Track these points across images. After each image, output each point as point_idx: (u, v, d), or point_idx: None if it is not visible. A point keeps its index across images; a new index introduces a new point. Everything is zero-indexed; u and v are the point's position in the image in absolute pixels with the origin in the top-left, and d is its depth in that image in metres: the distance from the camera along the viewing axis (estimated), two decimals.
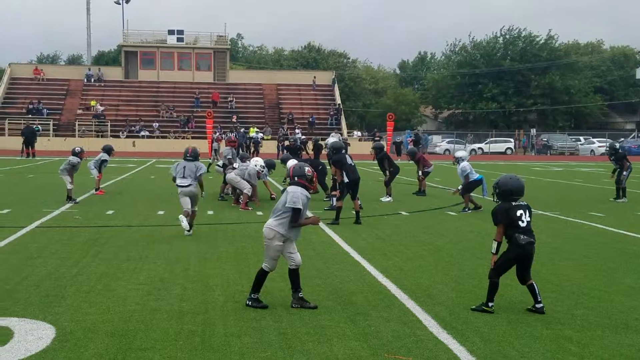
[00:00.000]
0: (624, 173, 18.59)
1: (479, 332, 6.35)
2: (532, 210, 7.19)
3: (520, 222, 6.93)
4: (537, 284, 7.14)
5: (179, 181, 11.76)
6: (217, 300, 7.34)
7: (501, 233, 6.97)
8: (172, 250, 10.26)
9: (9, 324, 6.32)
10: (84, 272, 8.60)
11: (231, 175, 15.85)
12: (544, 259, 9.60)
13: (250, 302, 7.07)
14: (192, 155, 11.92)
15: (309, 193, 7.26)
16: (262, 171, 16.05)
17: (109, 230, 12.10)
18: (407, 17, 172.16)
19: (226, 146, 19.65)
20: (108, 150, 18.63)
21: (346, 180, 13.60)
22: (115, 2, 74.30)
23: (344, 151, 14.24)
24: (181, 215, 11.62)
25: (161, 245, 10.69)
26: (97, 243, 10.72)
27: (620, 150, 19.69)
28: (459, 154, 16.77)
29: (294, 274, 7.17)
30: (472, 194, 15.97)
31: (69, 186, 16.21)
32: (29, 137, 40.61)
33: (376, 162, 18.86)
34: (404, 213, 15.37)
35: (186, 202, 11.75)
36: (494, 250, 6.99)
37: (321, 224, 13.06)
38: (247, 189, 15.45)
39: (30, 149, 40.27)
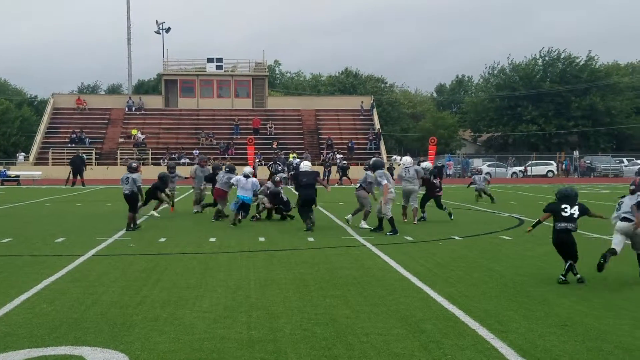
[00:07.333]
0: None
1: None
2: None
3: None
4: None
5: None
6: (283, 328, 7.22)
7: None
8: (231, 277, 10.19)
9: (83, 352, 6.28)
10: (147, 300, 8.56)
11: (364, 192, 16.78)
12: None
13: None
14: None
15: None
16: None
17: (164, 258, 12.09)
18: (446, 45, 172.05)
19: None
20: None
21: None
22: (155, 32, 75.65)
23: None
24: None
25: (218, 272, 10.62)
26: (154, 271, 10.71)
27: None
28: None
29: None
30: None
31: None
32: (79, 166, 41.32)
33: None
34: (457, 237, 15.13)
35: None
36: None
37: (374, 249, 12.95)
38: (368, 206, 16.72)
39: (79, 177, 41.00)
